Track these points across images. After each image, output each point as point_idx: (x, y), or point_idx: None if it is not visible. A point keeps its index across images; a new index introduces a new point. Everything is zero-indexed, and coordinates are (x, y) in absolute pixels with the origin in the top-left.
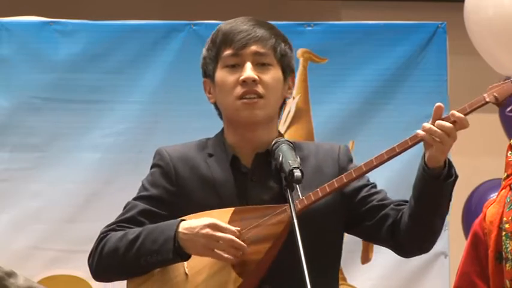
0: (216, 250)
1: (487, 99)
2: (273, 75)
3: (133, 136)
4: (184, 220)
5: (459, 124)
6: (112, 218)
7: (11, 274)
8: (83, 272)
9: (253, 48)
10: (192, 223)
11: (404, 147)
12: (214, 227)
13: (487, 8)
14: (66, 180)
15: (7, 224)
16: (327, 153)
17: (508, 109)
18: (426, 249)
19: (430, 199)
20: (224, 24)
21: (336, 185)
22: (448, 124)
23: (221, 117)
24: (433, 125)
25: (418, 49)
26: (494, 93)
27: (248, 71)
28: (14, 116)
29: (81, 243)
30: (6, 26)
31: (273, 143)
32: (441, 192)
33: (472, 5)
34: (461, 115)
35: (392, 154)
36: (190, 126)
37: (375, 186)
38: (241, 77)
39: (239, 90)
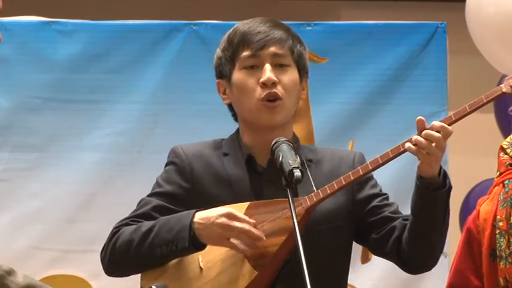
0: (231, 240)
1: (504, 90)
2: (290, 76)
3: (133, 136)
4: (200, 210)
5: (443, 133)
6: (112, 218)
7: (10, 272)
8: (83, 272)
9: (272, 49)
10: (207, 213)
11: (386, 159)
12: (231, 216)
13: (488, 6)
14: (66, 180)
15: (7, 224)
16: (342, 159)
17: (510, 109)
18: (427, 265)
19: (424, 210)
20: (241, 25)
21: (344, 182)
22: (435, 134)
23: (235, 119)
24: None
25: (418, 49)
26: (511, 84)
27: (268, 72)
28: (14, 116)
29: (81, 243)
30: (6, 26)
31: (273, 142)
32: (434, 202)
33: (473, 3)
34: (444, 124)
35: (386, 159)
36: (190, 126)
37: (387, 198)
38: (262, 79)
39: (260, 92)
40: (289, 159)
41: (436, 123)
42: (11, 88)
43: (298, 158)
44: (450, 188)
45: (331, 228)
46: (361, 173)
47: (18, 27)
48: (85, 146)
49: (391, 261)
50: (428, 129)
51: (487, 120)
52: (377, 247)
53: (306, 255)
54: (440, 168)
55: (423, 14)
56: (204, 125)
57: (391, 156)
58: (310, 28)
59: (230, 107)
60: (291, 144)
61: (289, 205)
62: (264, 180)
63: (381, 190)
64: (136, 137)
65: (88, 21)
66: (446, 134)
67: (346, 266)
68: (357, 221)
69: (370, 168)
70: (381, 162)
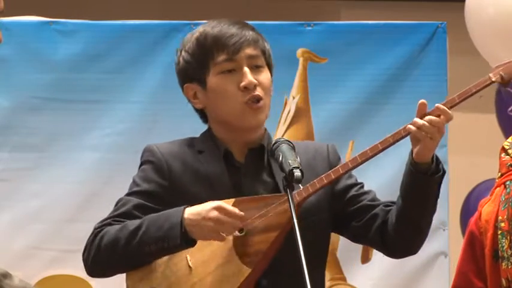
0: (221, 233)
1: (493, 79)
2: (266, 76)
3: (133, 136)
4: (188, 207)
5: (445, 117)
6: None
7: (6, 275)
8: (83, 272)
9: (247, 51)
10: (197, 208)
11: (396, 139)
12: (221, 209)
13: (487, 7)
14: (66, 180)
15: (7, 224)
16: (316, 152)
17: (510, 109)
18: (414, 250)
19: (417, 195)
20: (209, 28)
21: (333, 176)
22: (438, 119)
23: (204, 121)
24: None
25: (418, 49)
26: (501, 72)
27: (249, 76)
28: (14, 116)
29: (81, 243)
30: (6, 26)
31: (273, 142)
32: (429, 187)
33: (473, 4)
34: (445, 108)
35: (385, 145)
36: (190, 126)
37: (363, 186)
38: (243, 83)
39: (242, 96)
40: (289, 159)
41: (440, 106)
42: (11, 88)
43: (298, 158)
44: (444, 172)
45: (315, 220)
46: (360, 161)
47: (18, 27)
48: (85, 146)
49: (372, 247)
50: (429, 114)
51: (487, 120)
52: (358, 234)
53: (292, 248)
54: (433, 154)
55: (423, 14)
56: (204, 125)
57: (391, 142)
58: (310, 28)
59: (200, 111)
60: (291, 144)
61: (289, 205)
62: (241, 175)
63: (356, 179)
64: (136, 137)
65: (88, 21)
66: (448, 119)
67: (325, 259)
68: (336, 211)
69: (370, 154)
70: (380, 147)
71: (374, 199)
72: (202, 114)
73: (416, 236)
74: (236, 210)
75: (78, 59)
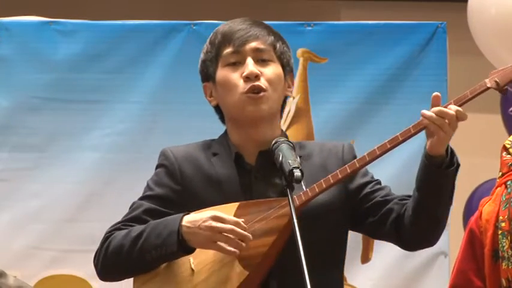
0: (218, 242)
1: (488, 85)
2: (273, 70)
3: (133, 136)
4: (187, 214)
5: (458, 115)
6: (112, 218)
7: (1, 274)
8: (83, 272)
9: (253, 44)
10: (195, 216)
11: (407, 135)
12: (217, 218)
13: (490, 7)
14: (66, 180)
15: (7, 224)
16: (331, 152)
17: (511, 109)
18: (431, 241)
19: (432, 188)
20: (221, 26)
21: (340, 176)
22: (450, 111)
23: (222, 121)
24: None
25: (418, 49)
26: (496, 79)
27: (250, 66)
28: (14, 116)
29: (81, 243)
30: (6, 25)
31: (273, 142)
32: (444, 180)
33: (475, 4)
34: (458, 108)
35: (395, 143)
36: (190, 126)
37: (379, 183)
38: (244, 73)
39: (243, 86)
40: (289, 159)
41: (453, 106)
42: (11, 88)
43: (298, 158)
44: (458, 165)
45: (326, 220)
46: (368, 159)
47: (18, 27)
48: (85, 146)
49: (388, 240)
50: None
51: (491, 120)
52: (374, 230)
53: (297, 248)
54: (447, 147)
55: (423, 14)
56: (204, 125)
57: (401, 139)
58: (310, 28)
59: (217, 108)
60: (291, 144)
61: (289, 205)
62: (252, 178)
63: (372, 177)
64: (136, 137)
65: (88, 21)
66: (462, 117)
67: (342, 257)
68: (352, 210)
69: (378, 153)
70: (389, 146)
71: (388, 194)
72: (219, 112)
73: (433, 227)
74: (234, 219)
75: (78, 59)
